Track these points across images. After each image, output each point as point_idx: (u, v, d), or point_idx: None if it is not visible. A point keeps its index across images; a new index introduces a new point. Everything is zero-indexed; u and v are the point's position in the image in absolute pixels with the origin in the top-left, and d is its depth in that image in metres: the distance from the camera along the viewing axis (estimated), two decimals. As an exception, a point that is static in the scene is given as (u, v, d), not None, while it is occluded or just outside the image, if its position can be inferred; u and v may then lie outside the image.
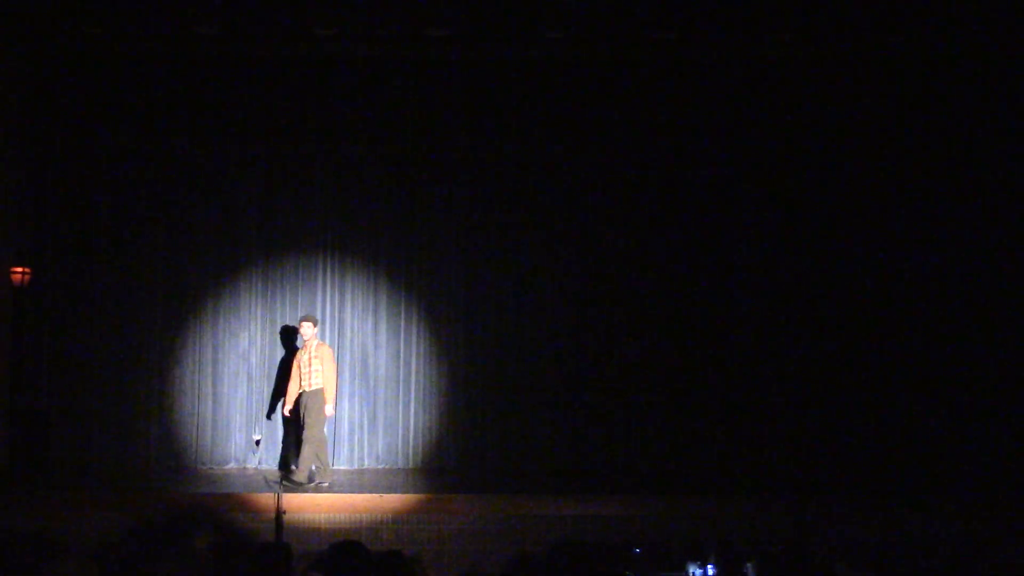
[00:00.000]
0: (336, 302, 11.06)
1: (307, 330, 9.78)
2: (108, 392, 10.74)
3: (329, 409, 9.66)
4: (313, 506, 8.89)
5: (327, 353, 9.79)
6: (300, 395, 9.71)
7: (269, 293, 11.01)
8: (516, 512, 8.89)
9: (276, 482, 9.43)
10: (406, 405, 11.02)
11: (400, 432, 10.99)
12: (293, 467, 9.93)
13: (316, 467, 9.58)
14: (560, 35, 10.15)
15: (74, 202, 10.83)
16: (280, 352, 10.86)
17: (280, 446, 10.65)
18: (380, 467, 10.86)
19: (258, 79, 10.91)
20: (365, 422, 10.98)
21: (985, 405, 10.64)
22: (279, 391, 10.45)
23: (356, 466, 10.88)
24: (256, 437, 10.63)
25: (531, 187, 11.14)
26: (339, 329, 11.04)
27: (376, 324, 11.08)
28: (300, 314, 10.45)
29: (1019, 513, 8.88)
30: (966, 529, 8.40)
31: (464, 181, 11.15)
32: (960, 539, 7.62)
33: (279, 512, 7.69)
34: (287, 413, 9.95)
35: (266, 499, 8.72)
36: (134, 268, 10.85)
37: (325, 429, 9.88)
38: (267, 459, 10.70)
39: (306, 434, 9.56)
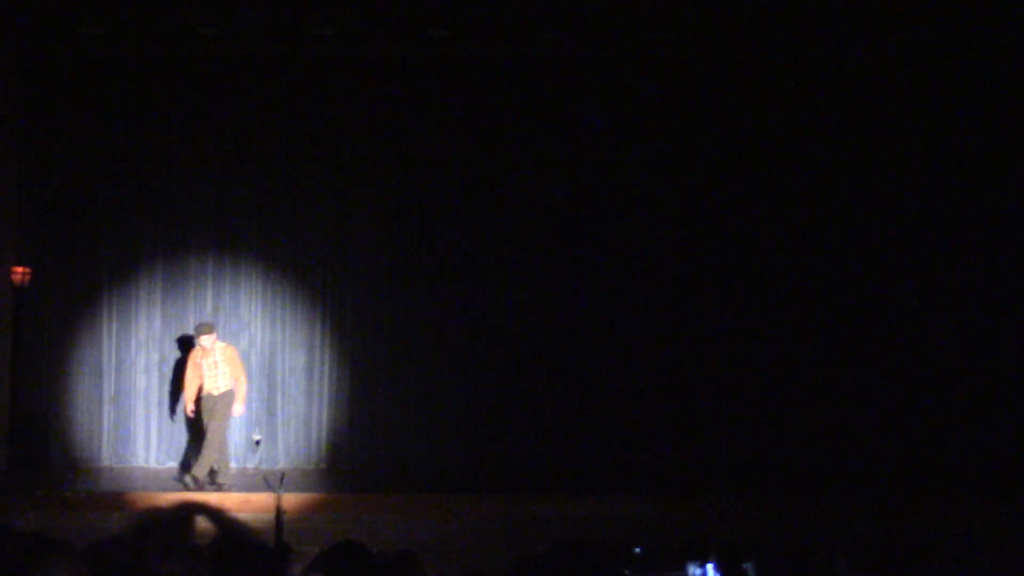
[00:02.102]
0: (336, 302, 11.06)
1: (207, 341, 9.57)
2: (108, 392, 10.76)
3: (239, 408, 9.56)
4: (313, 506, 8.89)
5: (235, 354, 9.67)
6: (205, 398, 9.54)
7: (269, 293, 11.02)
8: (516, 512, 8.89)
9: (269, 482, 9.42)
10: (404, 403, 11.03)
11: (399, 432, 11.02)
12: (192, 467, 9.63)
13: (217, 468, 9.46)
14: (559, 35, 10.18)
15: (74, 202, 10.84)
16: (279, 355, 10.90)
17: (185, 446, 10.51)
18: (380, 467, 10.88)
19: (258, 79, 10.92)
20: (365, 423, 11.00)
21: (985, 405, 10.64)
22: (177, 392, 10.32)
23: (357, 466, 10.92)
24: (256, 437, 10.60)
25: (527, 183, 11.14)
26: (339, 328, 11.04)
27: (376, 324, 11.08)
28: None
29: (1019, 513, 8.87)
30: (966, 529, 8.39)
31: (459, 180, 11.17)
32: (960, 539, 7.60)
33: (279, 512, 7.67)
34: (190, 414, 9.70)
35: (266, 499, 8.70)
36: (133, 268, 10.86)
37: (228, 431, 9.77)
38: (267, 459, 10.71)
39: (210, 436, 9.42)
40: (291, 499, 8.66)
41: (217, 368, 9.55)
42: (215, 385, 9.53)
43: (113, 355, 10.81)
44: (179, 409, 10.28)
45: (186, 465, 10.16)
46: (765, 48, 10.64)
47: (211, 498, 8.96)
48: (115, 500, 8.94)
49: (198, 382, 9.61)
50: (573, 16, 9.93)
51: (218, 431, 9.46)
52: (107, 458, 10.69)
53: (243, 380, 9.62)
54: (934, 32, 10.16)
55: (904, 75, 10.95)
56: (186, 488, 9.23)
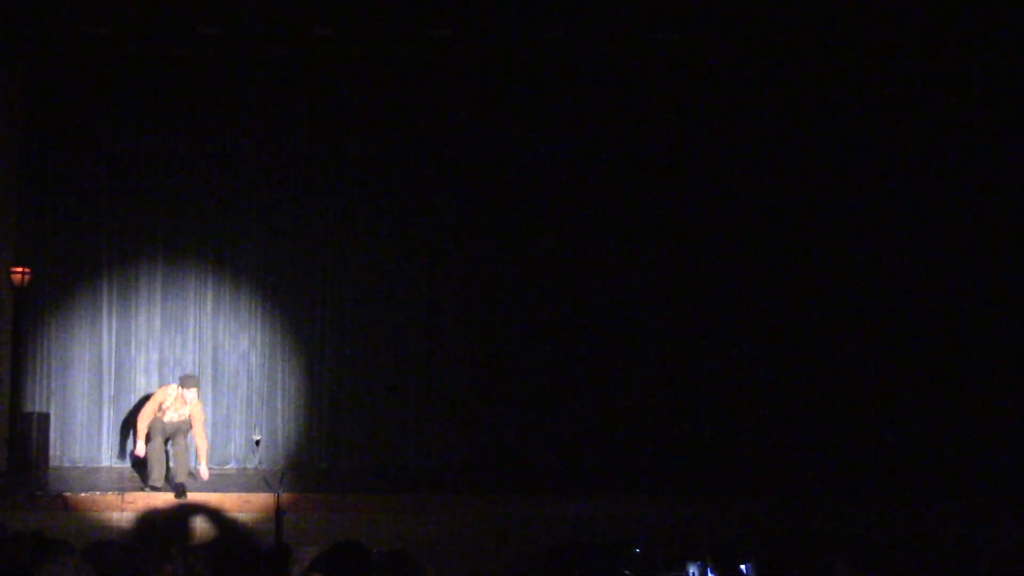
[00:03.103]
0: (336, 302, 11.06)
1: (190, 395, 9.29)
2: (108, 392, 10.76)
3: (204, 471, 9.17)
4: (313, 506, 8.88)
5: (200, 414, 9.37)
6: (167, 423, 9.21)
7: (269, 293, 11.02)
8: (516, 512, 8.88)
9: (279, 481, 9.40)
10: (405, 403, 11.03)
11: (402, 432, 11.01)
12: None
13: (150, 471, 9.16)
14: (559, 35, 10.18)
15: (74, 202, 10.84)
16: (279, 355, 10.92)
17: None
18: (380, 467, 10.88)
19: (258, 79, 10.92)
20: (365, 423, 10.99)
21: (985, 405, 10.64)
22: (128, 427, 10.06)
23: (357, 466, 10.91)
24: (256, 437, 10.63)
25: (527, 183, 11.13)
26: (339, 329, 11.04)
27: (377, 324, 11.08)
28: None
29: (1019, 513, 8.87)
30: (966, 529, 8.39)
31: (459, 179, 11.17)
32: (960, 539, 7.61)
33: (279, 512, 7.67)
34: (139, 455, 9.26)
35: (266, 499, 8.71)
36: (133, 268, 10.86)
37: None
38: (267, 459, 10.71)
39: (180, 448, 9.22)
40: (291, 499, 8.66)
41: (183, 415, 9.31)
42: (177, 417, 9.29)
43: (113, 355, 10.81)
44: (128, 447, 9.91)
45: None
46: (767, 48, 10.63)
47: (211, 498, 8.95)
48: (115, 500, 8.92)
49: (151, 420, 9.26)
50: (574, 16, 9.92)
51: (185, 443, 9.29)
52: (107, 458, 10.69)
53: (207, 441, 9.37)
54: (933, 32, 10.15)
55: (903, 75, 10.95)
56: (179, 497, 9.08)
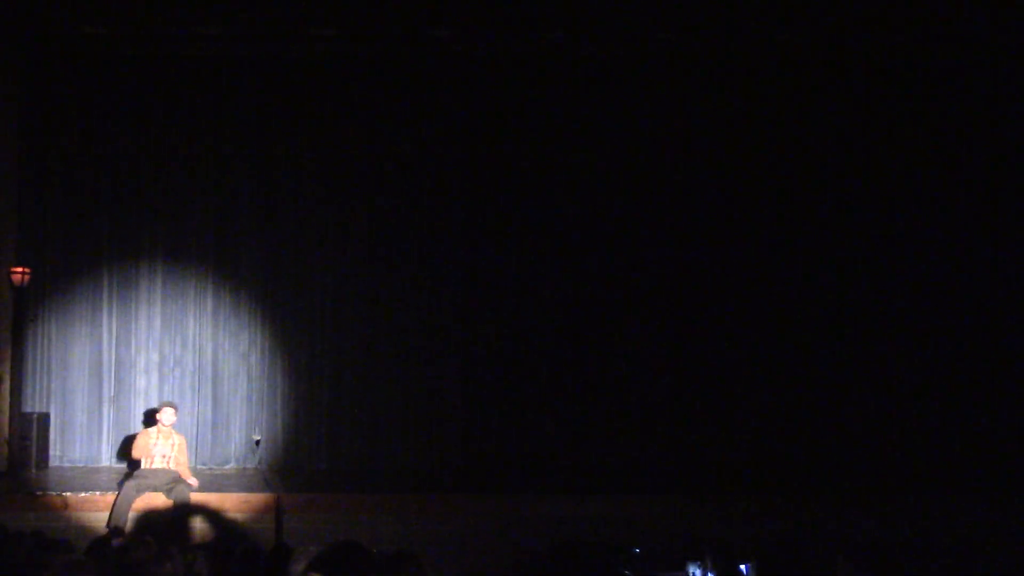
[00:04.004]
0: (337, 303, 11.06)
1: (168, 416, 9.22)
2: (108, 392, 10.76)
3: (195, 481, 8.95)
4: (313, 506, 8.88)
5: (183, 442, 9.27)
6: (159, 471, 8.91)
7: (269, 293, 11.02)
8: (516, 512, 8.88)
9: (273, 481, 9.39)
10: (405, 403, 11.03)
11: (401, 434, 11.02)
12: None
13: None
14: (559, 35, 10.19)
15: (74, 202, 10.84)
16: (280, 355, 10.91)
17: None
18: (380, 467, 10.88)
19: (258, 79, 10.92)
20: (366, 423, 10.99)
21: (985, 405, 10.64)
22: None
23: (357, 466, 10.91)
24: (256, 437, 10.64)
25: (527, 183, 11.14)
26: (340, 329, 11.03)
27: (377, 324, 11.08)
28: None
29: (1019, 513, 8.87)
30: (966, 529, 8.38)
31: (458, 180, 11.17)
32: (960, 539, 7.60)
33: (279, 512, 7.67)
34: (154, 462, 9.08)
35: (266, 499, 8.72)
36: (133, 268, 10.86)
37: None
38: (267, 459, 10.71)
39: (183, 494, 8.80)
40: (291, 499, 8.66)
41: (173, 450, 9.13)
42: (168, 465, 9.07)
43: (113, 355, 10.81)
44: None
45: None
46: (767, 49, 10.63)
47: (211, 498, 8.94)
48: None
49: (151, 459, 9.06)
50: (574, 16, 9.92)
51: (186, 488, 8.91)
52: (107, 458, 10.69)
53: (188, 464, 9.23)
54: (933, 32, 10.15)
55: (902, 76, 10.95)
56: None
